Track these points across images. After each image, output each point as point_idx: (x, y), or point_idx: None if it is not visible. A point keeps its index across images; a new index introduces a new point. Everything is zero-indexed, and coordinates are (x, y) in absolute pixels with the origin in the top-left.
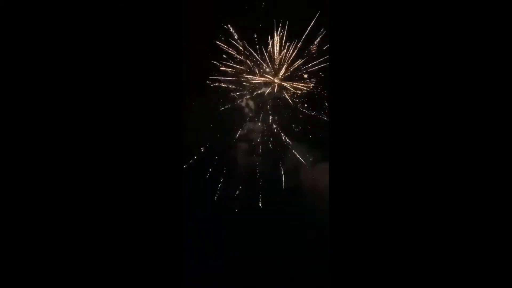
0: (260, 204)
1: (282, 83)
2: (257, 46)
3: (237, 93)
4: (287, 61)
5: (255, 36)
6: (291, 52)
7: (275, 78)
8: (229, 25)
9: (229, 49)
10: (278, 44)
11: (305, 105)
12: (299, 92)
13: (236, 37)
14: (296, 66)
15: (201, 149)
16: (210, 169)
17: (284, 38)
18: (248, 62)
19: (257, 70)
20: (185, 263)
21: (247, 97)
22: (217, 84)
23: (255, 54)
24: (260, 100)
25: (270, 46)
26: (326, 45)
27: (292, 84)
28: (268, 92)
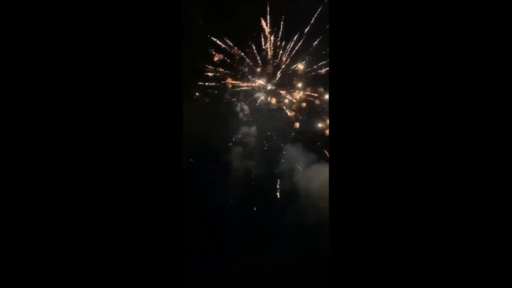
0: (254, 208)
1: (275, 89)
2: (249, 50)
3: (231, 99)
4: (282, 66)
5: (250, 43)
6: (286, 56)
7: (268, 84)
8: (221, 27)
9: (219, 55)
10: (273, 47)
11: (298, 113)
12: (292, 99)
13: (228, 41)
14: (291, 71)
15: (195, 153)
16: (205, 173)
17: (279, 40)
18: (241, 67)
19: (250, 75)
20: (185, 265)
21: (242, 102)
22: (211, 90)
23: (247, 59)
24: (254, 105)
25: (264, 49)
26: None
27: (286, 92)
28: (261, 98)
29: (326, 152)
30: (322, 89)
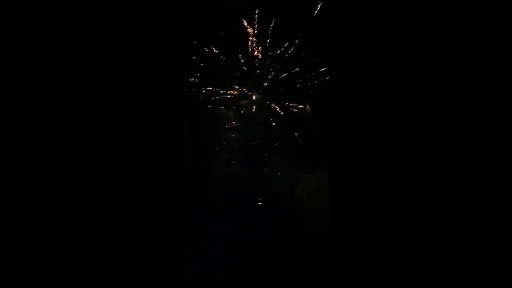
0: (238, 213)
1: (262, 98)
2: (235, 57)
3: (217, 106)
4: (269, 75)
5: (238, 53)
6: (273, 65)
7: (254, 93)
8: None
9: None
10: (260, 56)
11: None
12: (280, 111)
13: (215, 49)
14: (278, 80)
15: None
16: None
17: (267, 50)
18: (227, 75)
19: (236, 83)
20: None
21: (227, 109)
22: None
23: (233, 66)
24: (239, 112)
25: (250, 50)
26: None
27: (273, 104)
28: (246, 105)
29: (296, 135)
30: (308, 106)
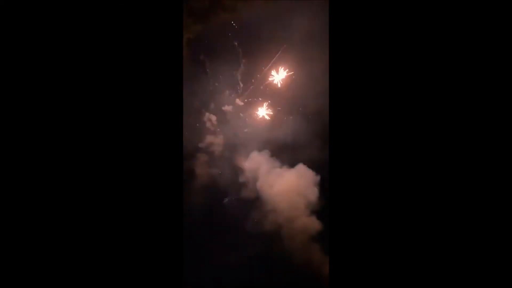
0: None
1: (244, 103)
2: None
3: (200, 108)
4: (253, 80)
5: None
6: (258, 71)
7: (239, 98)
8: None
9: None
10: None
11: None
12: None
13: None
14: (262, 86)
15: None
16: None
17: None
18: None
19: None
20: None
21: (209, 112)
22: None
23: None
24: (223, 115)
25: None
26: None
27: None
28: (229, 111)
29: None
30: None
